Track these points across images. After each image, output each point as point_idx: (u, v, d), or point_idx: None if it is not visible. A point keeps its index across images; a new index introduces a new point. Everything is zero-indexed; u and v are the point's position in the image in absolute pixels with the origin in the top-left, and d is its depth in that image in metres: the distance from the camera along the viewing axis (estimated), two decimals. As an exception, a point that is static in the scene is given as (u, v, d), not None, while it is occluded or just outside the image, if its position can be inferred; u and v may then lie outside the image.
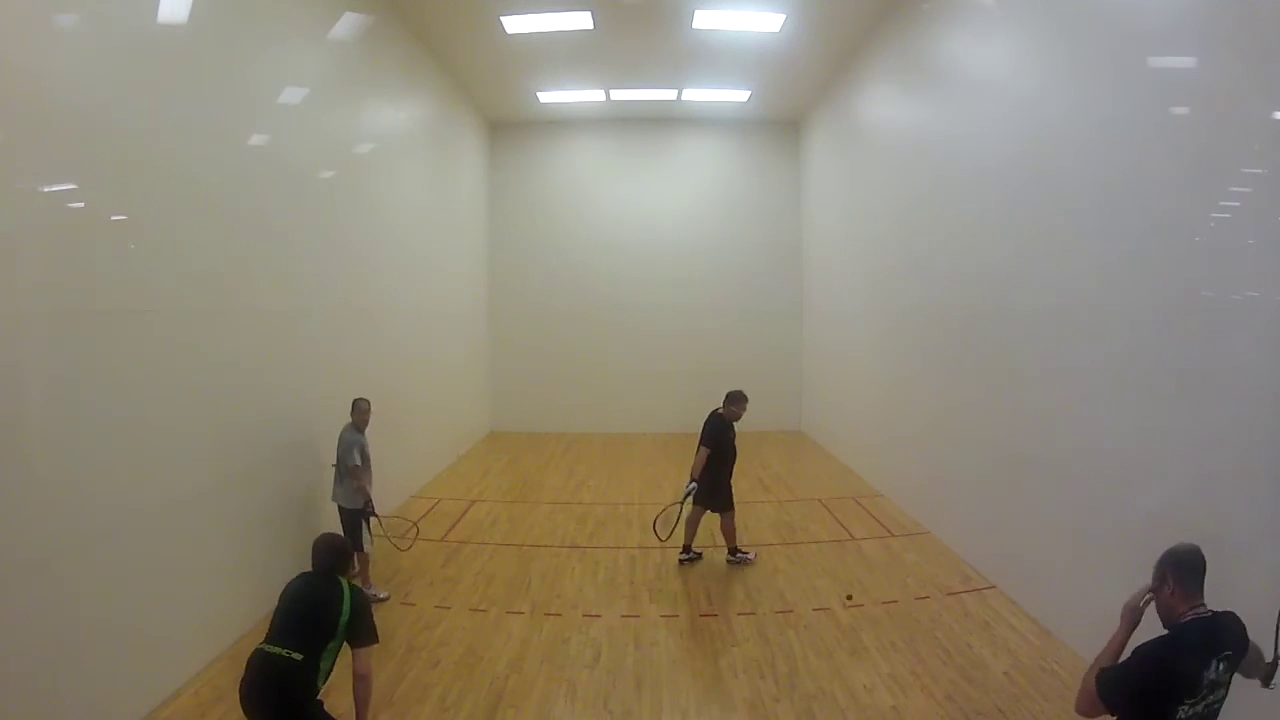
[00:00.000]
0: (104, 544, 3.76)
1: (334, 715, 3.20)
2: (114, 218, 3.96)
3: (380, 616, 3.60)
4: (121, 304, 3.95)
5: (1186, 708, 2.26)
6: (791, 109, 12.53)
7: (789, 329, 13.28)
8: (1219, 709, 2.34)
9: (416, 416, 7.87)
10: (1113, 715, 2.39)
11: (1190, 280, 3.84)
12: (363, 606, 3.26)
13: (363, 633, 3.23)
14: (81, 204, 3.75)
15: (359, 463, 5.65)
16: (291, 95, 5.92)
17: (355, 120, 7.35)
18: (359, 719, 3.22)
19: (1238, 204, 3.63)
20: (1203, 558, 2.40)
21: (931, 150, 7.38)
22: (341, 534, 3.54)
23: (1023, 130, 5.52)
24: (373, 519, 5.68)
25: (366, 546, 5.69)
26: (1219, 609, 2.37)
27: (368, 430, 5.87)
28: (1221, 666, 2.30)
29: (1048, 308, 5.19)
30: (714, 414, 6.51)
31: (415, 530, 6.40)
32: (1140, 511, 4.13)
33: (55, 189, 3.59)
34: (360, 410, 5.84)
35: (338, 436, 5.79)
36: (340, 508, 5.72)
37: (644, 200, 13.31)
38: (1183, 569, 2.39)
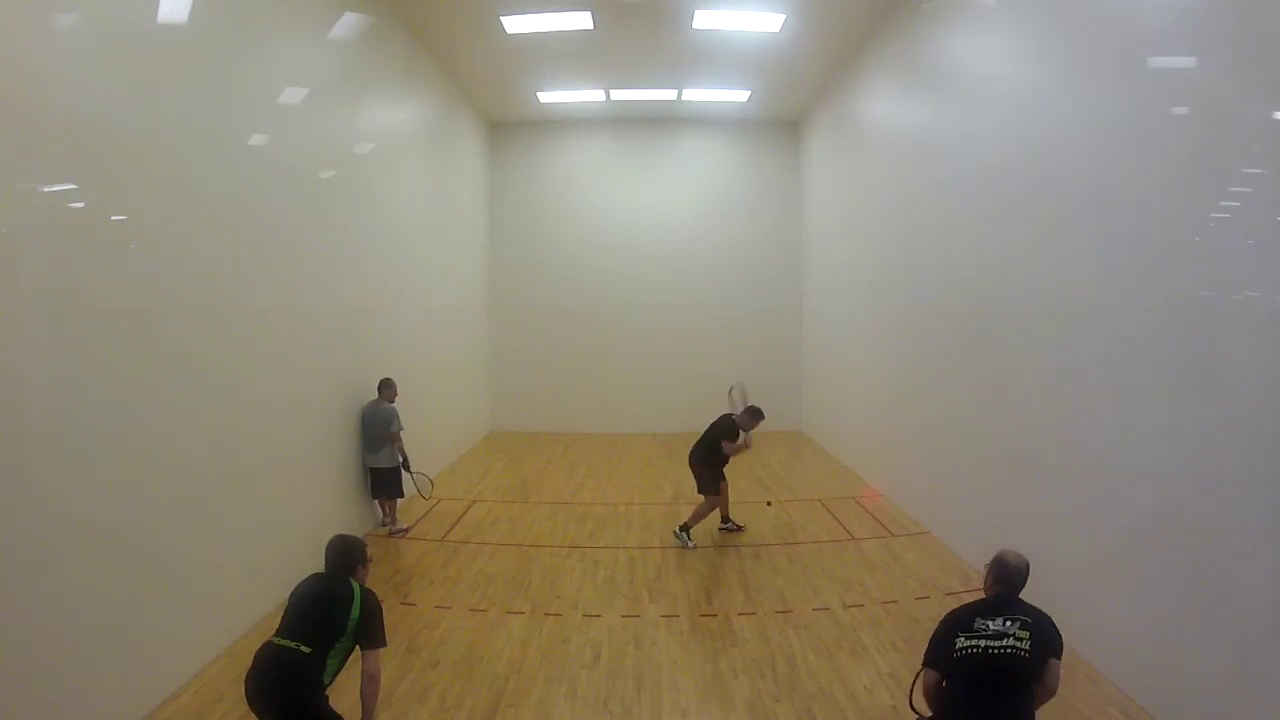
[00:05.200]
0: (104, 544, 3.75)
1: (338, 712, 3.20)
2: (114, 218, 3.96)
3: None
4: (121, 304, 3.95)
5: (963, 639, 3.06)
6: (791, 109, 12.53)
7: (789, 329, 13.27)
8: (1012, 657, 2.98)
9: (416, 416, 7.91)
10: (940, 683, 3.12)
11: (1190, 280, 3.84)
12: (373, 608, 3.29)
13: (372, 634, 3.25)
14: (81, 204, 3.75)
15: (403, 428, 7.13)
16: (291, 95, 5.91)
17: (355, 120, 7.34)
18: (365, 718, 3.24)
19: (1238, 204, 3.62)
20: (1023, 577, 3.27)
21: (931, 150, 7.38)
22: (351, 534, 3.57)
23: (1022, 130, 5.51)
24: (412, 473, 7.44)
25: (413, 489, 7.53)
26: (1031, 603, 3.19)
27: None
28: (1009, 624, 3.03)
29: (1047, 307, 5.19)
30: (729, 417, 7.18)
31: (432, 484, 7.98)
32: (1141, 511, 4.13)
33: (55, 189, 3.59)
34: (391, 387, 7.23)
35: (370, 413, 7.09)
36: (376, 469, 7.12)
37: (644, 200, 13.29)
38: (1002, 574, 3.29)
